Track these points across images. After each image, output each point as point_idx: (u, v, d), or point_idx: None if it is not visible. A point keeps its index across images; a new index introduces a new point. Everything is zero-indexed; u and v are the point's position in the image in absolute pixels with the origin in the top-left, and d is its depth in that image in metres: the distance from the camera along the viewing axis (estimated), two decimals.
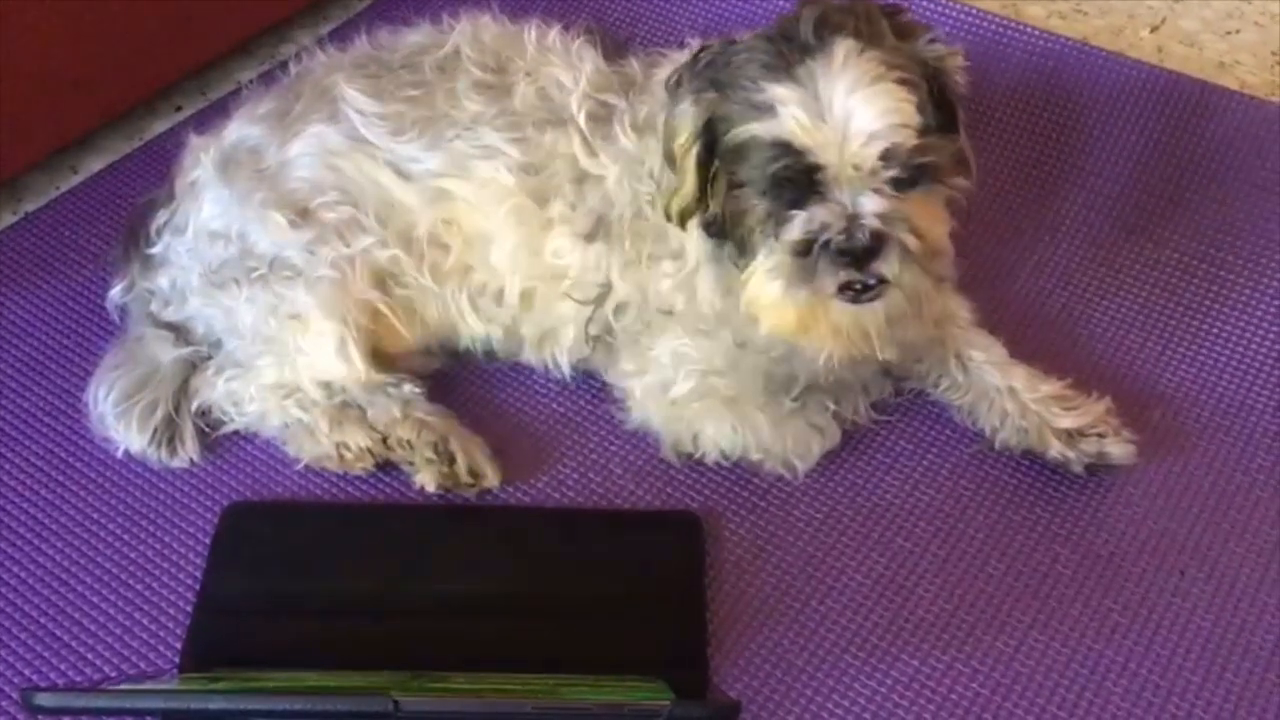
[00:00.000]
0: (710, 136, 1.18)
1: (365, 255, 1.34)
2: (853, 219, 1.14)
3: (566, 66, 1.35)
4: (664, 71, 1.33)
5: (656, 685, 1.13)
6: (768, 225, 1.16)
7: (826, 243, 1.14)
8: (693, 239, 1.27)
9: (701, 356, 1.33)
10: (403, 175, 1.35)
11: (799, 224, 1.15)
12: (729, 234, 1.22)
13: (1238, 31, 1.93)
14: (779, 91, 1.12)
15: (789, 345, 1.29)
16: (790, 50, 1.14)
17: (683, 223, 1.23)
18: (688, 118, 1.18)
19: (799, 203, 1.15)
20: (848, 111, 1.11)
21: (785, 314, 1.18)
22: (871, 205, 1.14)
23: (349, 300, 1.33)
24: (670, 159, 1.22)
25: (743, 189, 1.17)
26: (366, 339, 1.35)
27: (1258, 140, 1.69)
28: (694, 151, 1.18)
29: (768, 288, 1.17)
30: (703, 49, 1.22)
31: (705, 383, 1.33)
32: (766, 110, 1.13)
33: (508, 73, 1.36)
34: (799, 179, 1.14)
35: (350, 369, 1.34)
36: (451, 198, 1.35)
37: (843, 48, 1.13)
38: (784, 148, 1.13)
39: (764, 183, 1.15)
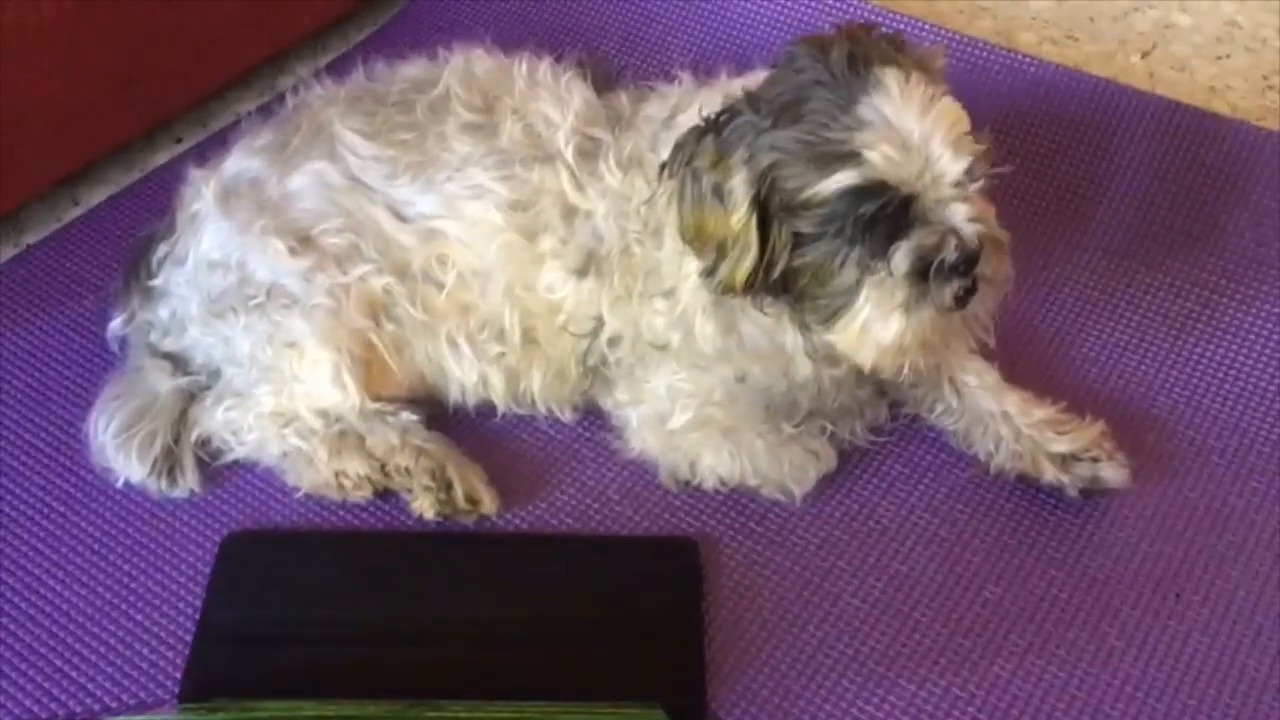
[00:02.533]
0: (762, 202, 1.17)
1: (360, 283, 1.35)
2: (954, 232, 1.15)
3: (554, 101, 1.36)
4: (652, 107, 1.34)
5: (653, 712, 1.13)
6: (867, 267, 1.16)
7: (941, 263, 1.15)
8: (688, 284, 1.28)
9: (698, 390, 1.34)
10: (398, 217, 1.36)
11: (905, 255, 1.16)
12: (791, 288, 1.21)
13: (1228, 56, 1.95)
14: (862, 137, 1.13)
15: (791, 378, 1.31)
16: (839, 92, 1.14)
17: (745, 290, 1.22)
18: (740, 192, 1.17)
19: (894, 235, 1.16)
20: (926, 136, 1.14)
21: (905, 342, 1.19)
22: (964, 213, 1.16)
23: (343, 328, 1.34)
24: (708, 239, 1.20)
25: (817, 241, 1.17)
26: (361, 367, 1.35)
27: (1249, 165, 1.70)
28: (753, 221, 1.18)
29: (889, 325, 1.18)
30: (712, 123, 1.20)
31: (702, 413, 1.34)
32: (849, 159, 1.13)
33: (495, 111, 1.37)
34: (893, 214, 1.15)
35: (346, 396, 1.34)
36: (445, 237, 1.36)
37: (891, 76, 1.14)
38: (873, 189, 1.14)
39: (852, 228, 1.15)
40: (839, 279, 1.18)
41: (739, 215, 1.18)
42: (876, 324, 1.18)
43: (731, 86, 1.29)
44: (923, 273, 1.16)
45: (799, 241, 1.18)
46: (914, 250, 1.16)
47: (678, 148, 1.23)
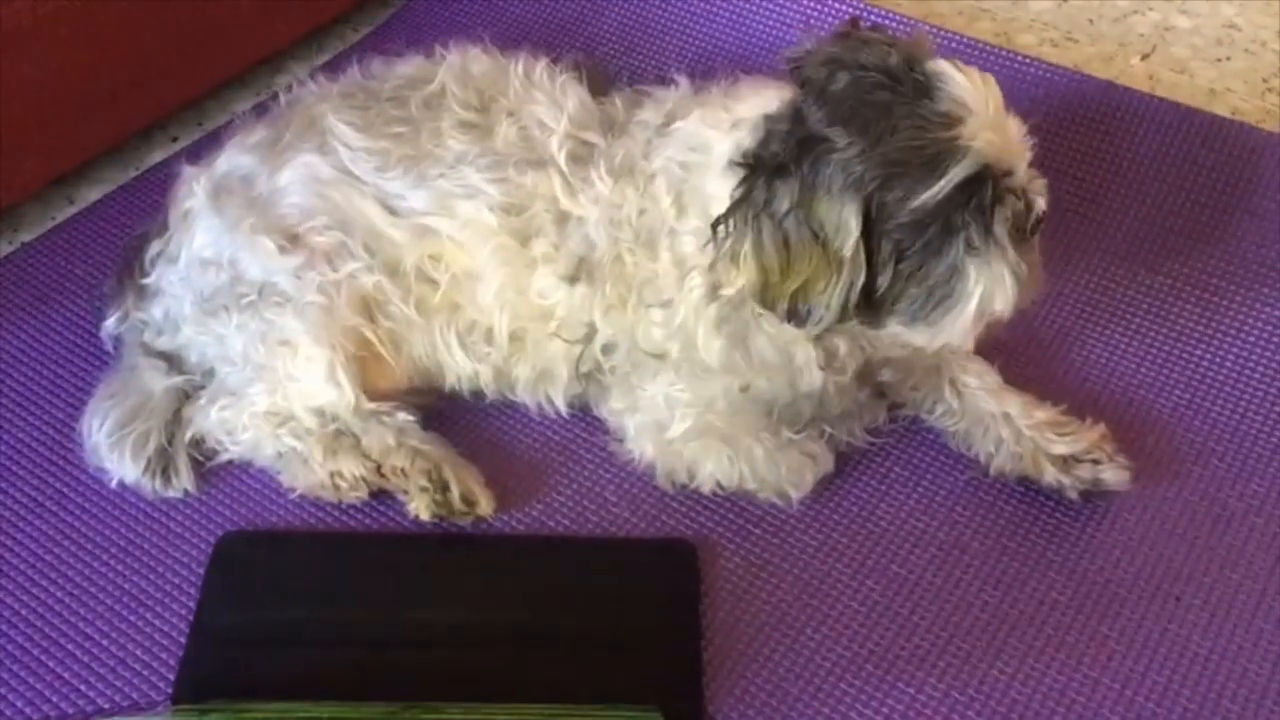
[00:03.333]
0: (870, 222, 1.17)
1: (351, 281, 1.34)
2: (1028, 193, 1.21)
3: (550, 104, 1.35)
4: (646, 112, 1.33)
5: (650, 715, 1.13)
6: (971, 249, 1.19)
7: (1035, 223, 1.22)
8: (690, 298, 1.28)
9: (697, 399, 1.33)
10: (389, 210, 1.36)
11: (1004, 226, 1.19)
12: (884, 299, 1.20)
13: (1228, 58, 1.94)
14: (966, 129, 1.15)
15: (797, 389, 1.31)
16: (910, 94, 1.15)
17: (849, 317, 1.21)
18: (851, 220, 1.15)
19: (989, 211, 1.19)
20: (997, 112, 1.18)
21: (1016, 306, 1.23)
22: (1027, 169, 1.21)
23: (336, 325, 1.33)
24: (791, 281, 1.18)
25: (919, 241, 1.17)
26: (356, 365, 1.35)
27: (1249, 166, 1.70)
28: (861, 245, 1.17)
29: (1007, 292, 1.21)
30: (775, 161, 1.17)
31: (702, 421, 1.33)
32: (960, 153, 1.15)
33: (491, 112, 1.36)
34: (997, 191, 1.19)
35: (341, 394, 1.34)
36: (437, 235, 1.35)
37: (945, 65, 1.17)
38: (981, 174, 1.16)
39: (960, 216, 1.17)
40: (938, 271, 1.19)
41: (850, 243, 1.16)
42: (994, 298, 1.20)
43: (740, 110, 1.26)
44: (1018, 239, 1.20)
45: (901, 249, 1.18)
46: (1010, 220, 1.19)
47: (742, 200, 1.19)
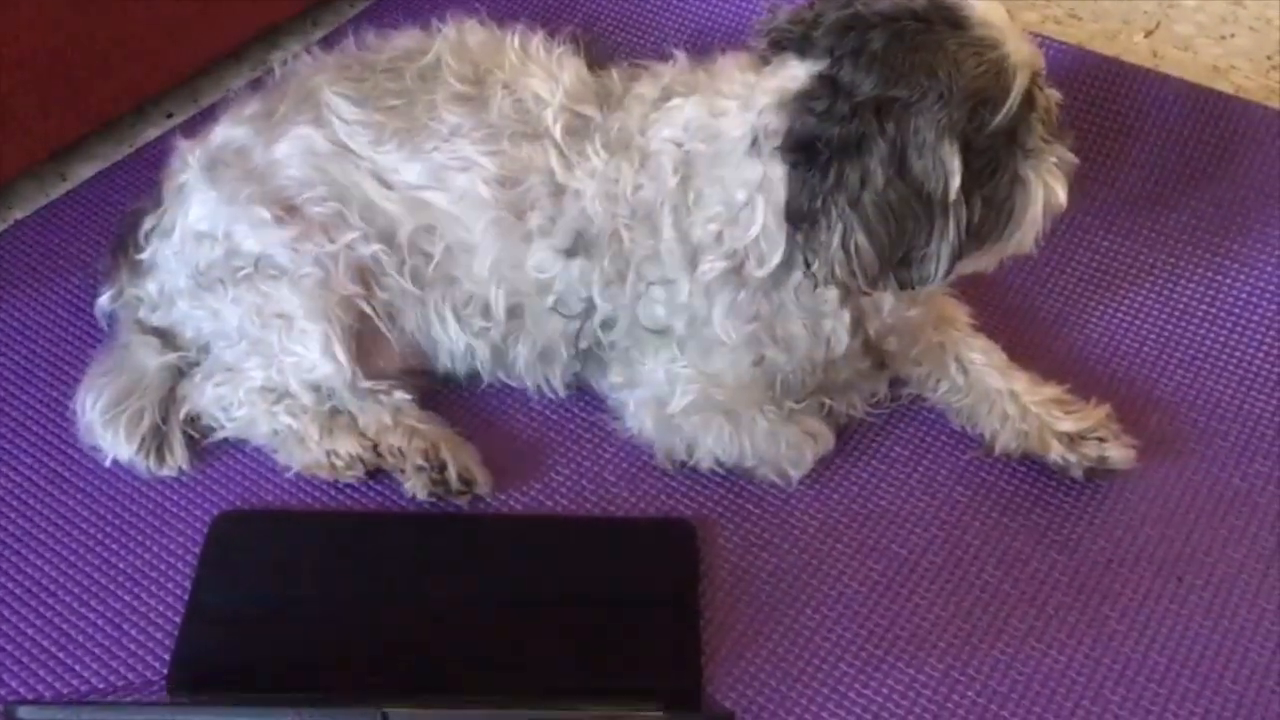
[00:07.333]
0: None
1: (348, 251, 1.33)
2: (1047, 90, 1.24)
3: (545, 77, 1.33)
4: (643, 86, 1.32)
5: (646, 708, 1.12)
6: (1027, 153, 1.22)
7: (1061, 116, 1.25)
8: (704, 280, 1.26)
9: (700, 373, 1.32)
10: (384, 184, 1.34)
11: (1043, 124, 1.23)
12: (990, 214, 1.22)
13: (1232, 36, 1.93)
14: (1008, 46, 1.18)
15: (814, 358, 1.31)
16: (948, 28, 1.17)
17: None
18: (953, 161, 1.15)
19: (1028, 114, 1.21)
20: (1010, 24, 1.21)
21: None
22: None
23: (333, 297, 1.32)
24: (902, 244, 1.18)
25: (992, 161, 1.20)
26: (352, 339, 1.33)
27: (1253, 144, 1.69)
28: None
29: (1062, 182, 1.24)
30: (856, 140, 1.15)
31: (704, 395, 1.32)
32: (1014, 68, 1.18)
33: (486, 84, 1.34)
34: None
35: (337, 368, 1.33)
36: (431, 208, 1.34)
37: None
38: (1031, 85, 1.20)
39: (1017, 124, 1.20)
40: (1003, 184, 1.21)
41: (955, 185, 1.17)
42: (1055, 192, 1.23)
43: (757, 94, 1.22)
44: (1054, 133, 1.24)
45: (980, 176, 1.19)
46: (1043, 118, 1.22)
47: (835, 189, 1.17)
